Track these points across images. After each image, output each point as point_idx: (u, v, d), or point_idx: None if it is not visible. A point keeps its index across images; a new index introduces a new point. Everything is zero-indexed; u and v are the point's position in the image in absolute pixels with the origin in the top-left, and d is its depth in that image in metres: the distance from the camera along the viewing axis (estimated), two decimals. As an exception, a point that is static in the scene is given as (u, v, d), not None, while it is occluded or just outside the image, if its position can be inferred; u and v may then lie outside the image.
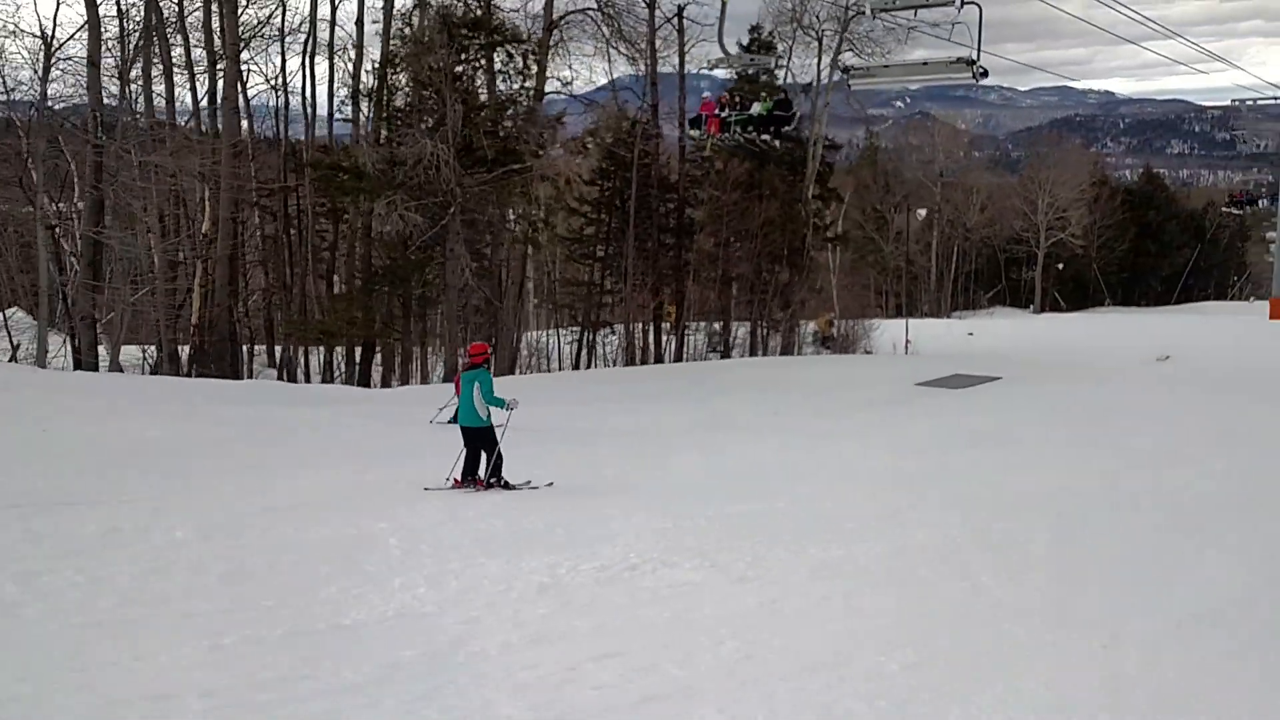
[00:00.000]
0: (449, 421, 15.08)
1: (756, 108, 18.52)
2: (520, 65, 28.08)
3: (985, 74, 14.84)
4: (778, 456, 14.24)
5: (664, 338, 40.49)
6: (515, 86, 28.50)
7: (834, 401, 21.14)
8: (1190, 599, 7.75)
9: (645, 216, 40.88)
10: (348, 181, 24.83)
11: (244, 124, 29.33)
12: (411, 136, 24.13)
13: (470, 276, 24.98)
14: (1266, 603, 7.80)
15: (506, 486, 10.52)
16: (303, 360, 30.15)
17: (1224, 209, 52.84)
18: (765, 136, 18.56)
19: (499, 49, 27.35)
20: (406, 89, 26.42)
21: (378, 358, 28.96)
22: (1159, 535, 9.86)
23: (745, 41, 41.90)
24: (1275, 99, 47.15)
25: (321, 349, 29.33)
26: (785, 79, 41.78)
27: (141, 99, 26.74)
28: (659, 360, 39.66)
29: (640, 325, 41.31)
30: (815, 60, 41.31)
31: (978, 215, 76.47)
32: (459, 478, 10.51)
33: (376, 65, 26.67)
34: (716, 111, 18.76)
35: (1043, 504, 10.99)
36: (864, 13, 17.57)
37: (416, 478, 10.86)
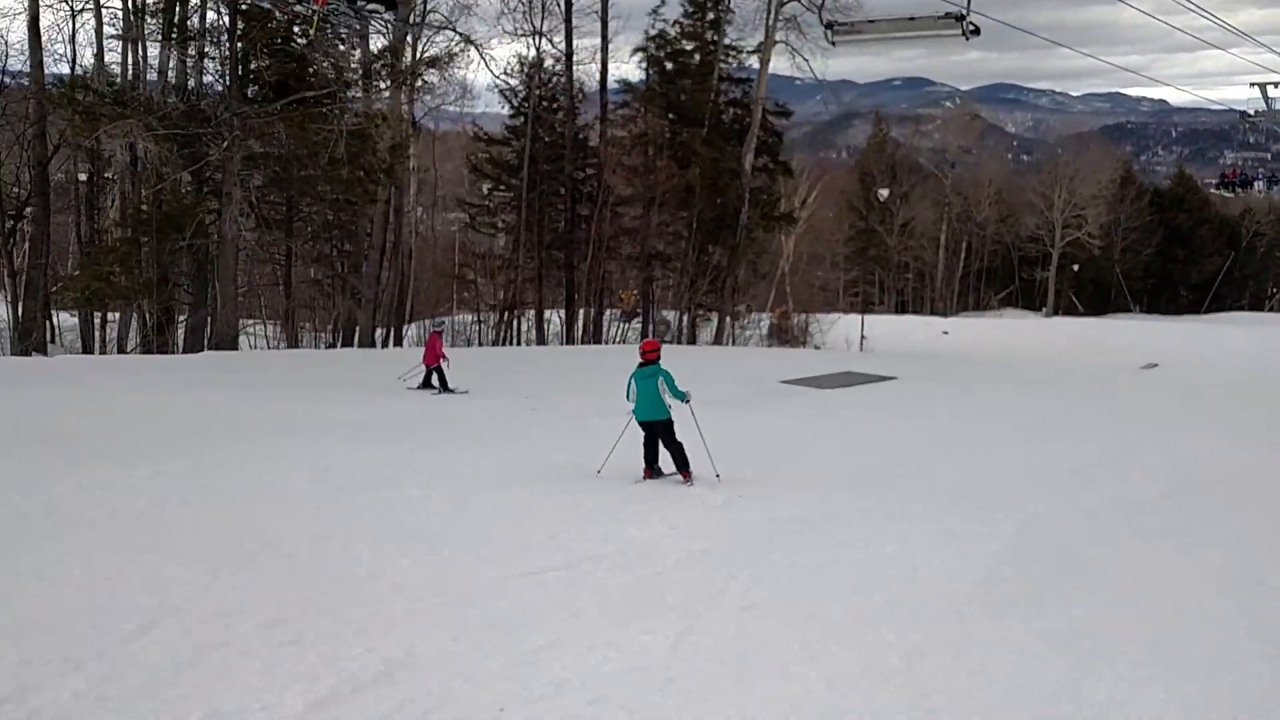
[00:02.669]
0: (421, 387, 16.40)
1: (360, -30, 14.02)
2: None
3: (977, 31, 12.81)
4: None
5: (576, 323, 35.69)
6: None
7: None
8: None
9: (558, 182, 35.94)
10: (93, 105, 20.03)
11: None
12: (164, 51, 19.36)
13: (242, 227, 20.15)
14: None
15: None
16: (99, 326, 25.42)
17: (1215, 189, 46.77)
18: (375, 6, 14.47)
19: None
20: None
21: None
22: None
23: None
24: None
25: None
26: (727, 34, 36.46)
27: None
28: (569, 343, 35.03)
29: (566, 307, 36.55)
30: (765, 11, 35.88)
31: (988, 209, 70.39)
32: (647, 468, 10.64)
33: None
34: (321, -22, 14.16)
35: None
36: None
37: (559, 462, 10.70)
